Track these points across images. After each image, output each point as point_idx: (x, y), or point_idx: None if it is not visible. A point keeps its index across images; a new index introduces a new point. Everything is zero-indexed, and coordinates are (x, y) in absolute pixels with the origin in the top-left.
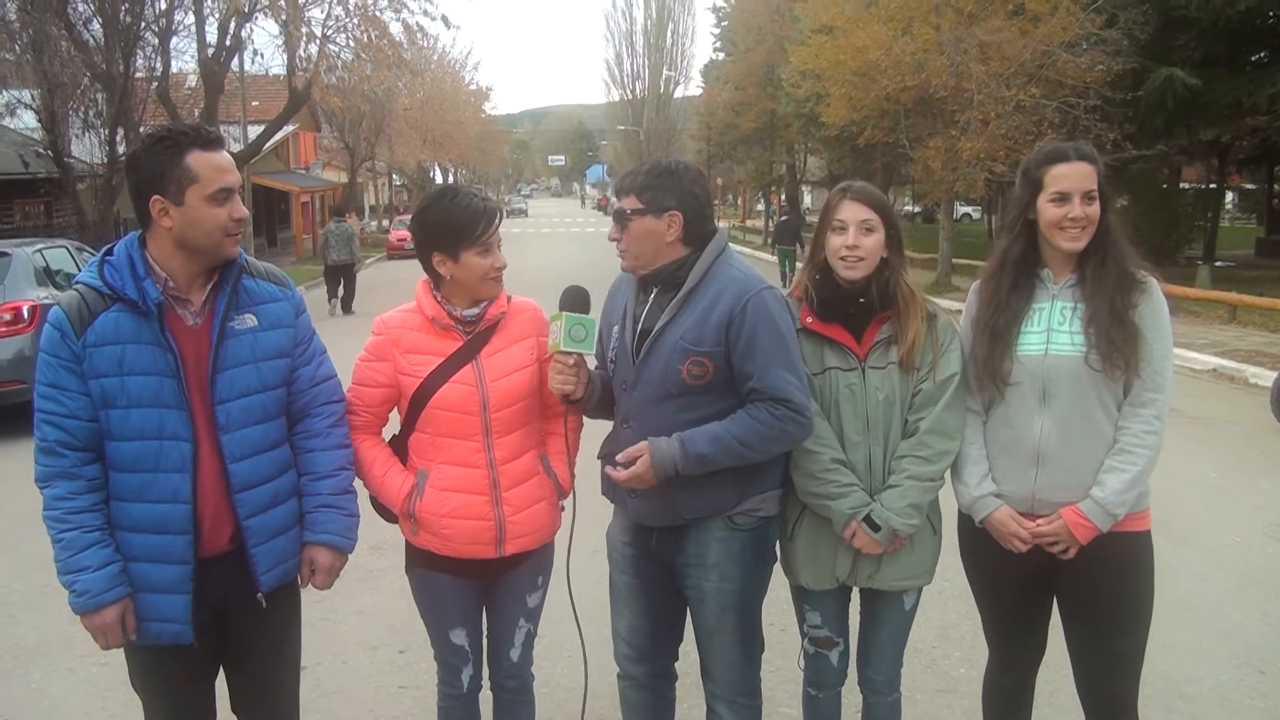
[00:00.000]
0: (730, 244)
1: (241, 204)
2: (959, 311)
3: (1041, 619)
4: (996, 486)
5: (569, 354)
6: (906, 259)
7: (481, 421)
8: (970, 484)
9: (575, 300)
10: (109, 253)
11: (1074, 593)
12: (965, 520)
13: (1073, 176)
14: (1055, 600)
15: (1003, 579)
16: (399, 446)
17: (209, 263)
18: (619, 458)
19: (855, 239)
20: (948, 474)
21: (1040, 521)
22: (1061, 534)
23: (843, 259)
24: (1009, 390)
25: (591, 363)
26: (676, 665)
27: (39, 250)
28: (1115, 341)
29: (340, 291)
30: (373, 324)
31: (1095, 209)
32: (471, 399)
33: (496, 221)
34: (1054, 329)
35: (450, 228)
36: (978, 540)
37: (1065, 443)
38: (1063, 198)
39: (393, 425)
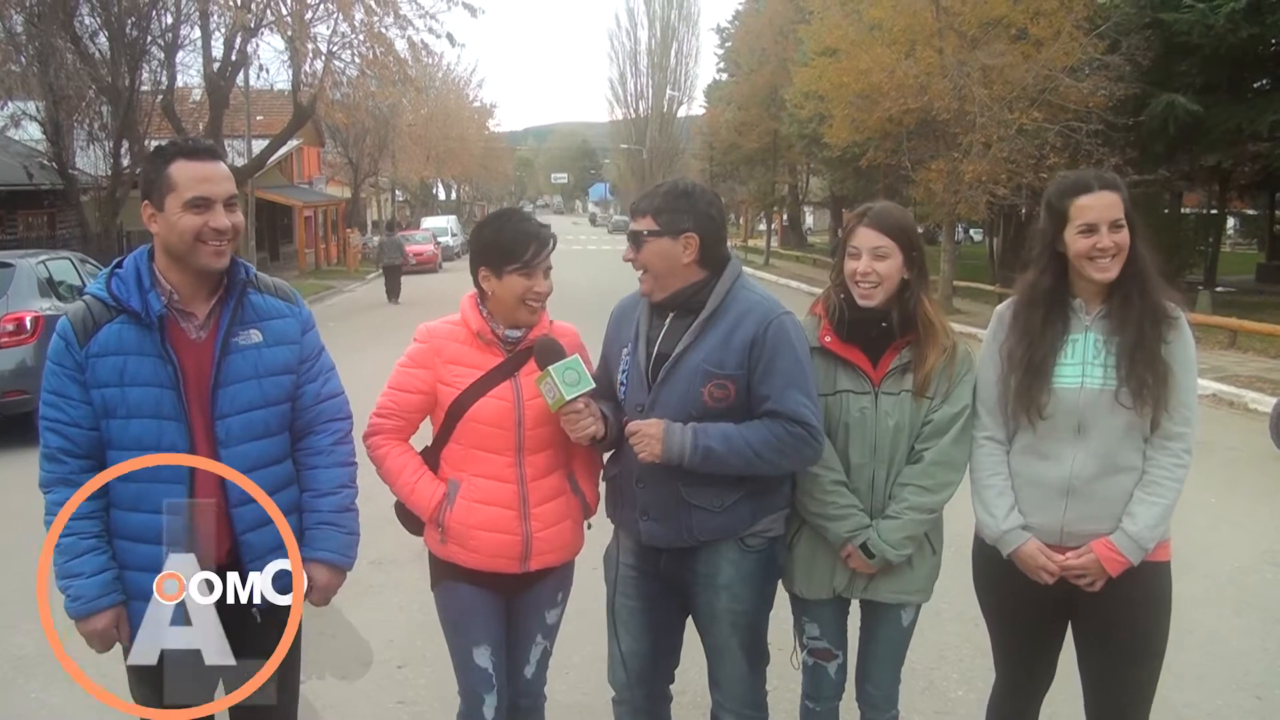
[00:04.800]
0: None
1: (225, 215)
2: (962, 334)
3: (1054, 646)
4: (1024, 519)
5: (576, 399)
6: (929, 281)
7: (515, 437)
8: (999, 515)
9: (549, 352)
10: (119, 265)
11: (1092, 621)
12: (982, 546)
13: (1098, 207)
14: (1070, 627)
15: (1020, 606)
16: (432, 457)
17: (196, 272)
18: (629, 427)
19: (868, 265)
20: (953, 504)
21: (1070, 555)
22: (1092, 567)
23: (857, 284)
24: (1042, 422)
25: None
26: (671, 686)
27: (42, 261)
28: (1145, 380)
29: (393, 284)
30: (416, 331)
31: (1124, 237)
32: (507, 415)
33: (548, 248)
34: (1089, 362)
35: (500, 246)
36: (995, 567)
37: (1098, 476)
38: (1090, 229)
39: (423, 437)
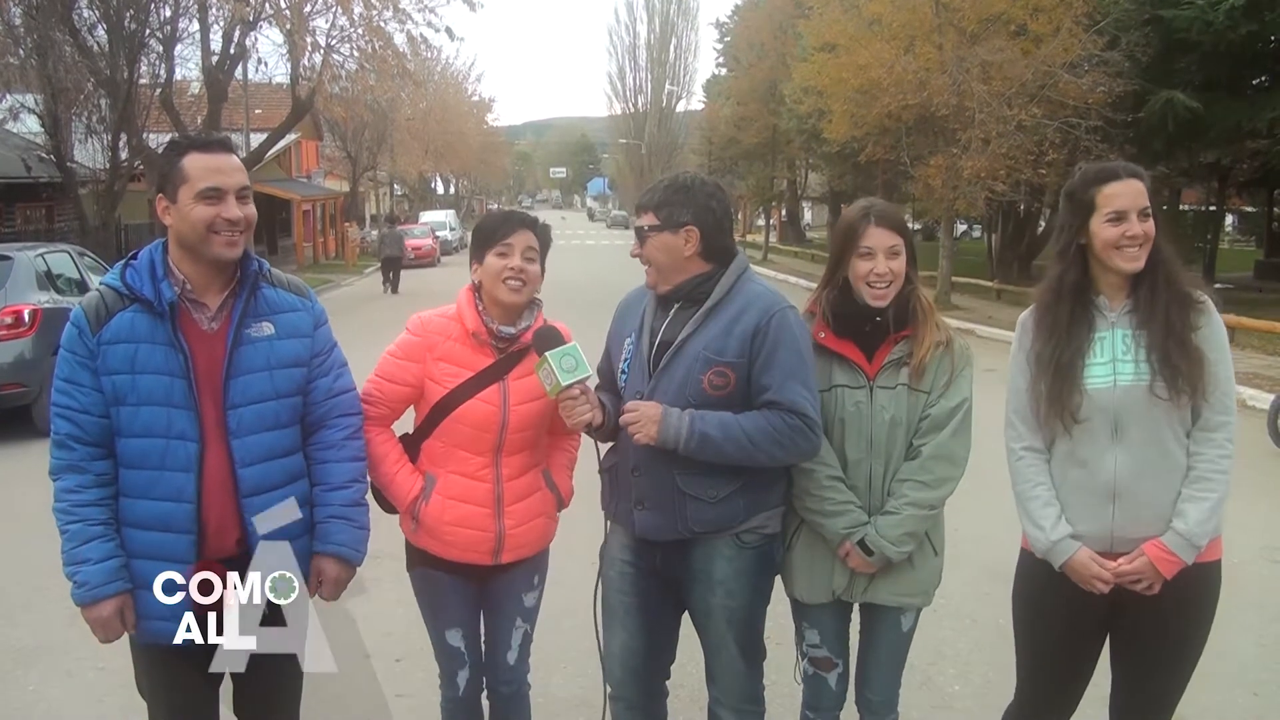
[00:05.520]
0: None
1: (237, 207)
2: (959, 330)
3: (1092, 664)
4: (1072, 528)
5: (573, 385)
6: (918, 271)
7: (496, 440)
8: (1046, 527)
9: (548, 339)
10: (134, 256)
11: (1137, 627)
12: (1027, 563)
13: (1128, 194)
14: (1109, 638)
15: (1064, 624)
16: (411, 445)
17: (209, 263)
18: (626, 407)
19: (885, 266)
20: (949, 500)
21: (1122, 560)
22: (1146, 571)
23: (870, 285)
24: (1077, 426)
25: (592, 382)
26: (667, 681)
27: (40, 255)
28: (1179, 367)
29: (392, 276)
30: (408, 323)
31: (1151, 226)
32: (492, 419)
33: (524, 229)
34: (1119, 359)
35: (481, 232)
36: (1041, 584)
37: (1141, 476)
38: (1119, 216)
39: (403, 424)
